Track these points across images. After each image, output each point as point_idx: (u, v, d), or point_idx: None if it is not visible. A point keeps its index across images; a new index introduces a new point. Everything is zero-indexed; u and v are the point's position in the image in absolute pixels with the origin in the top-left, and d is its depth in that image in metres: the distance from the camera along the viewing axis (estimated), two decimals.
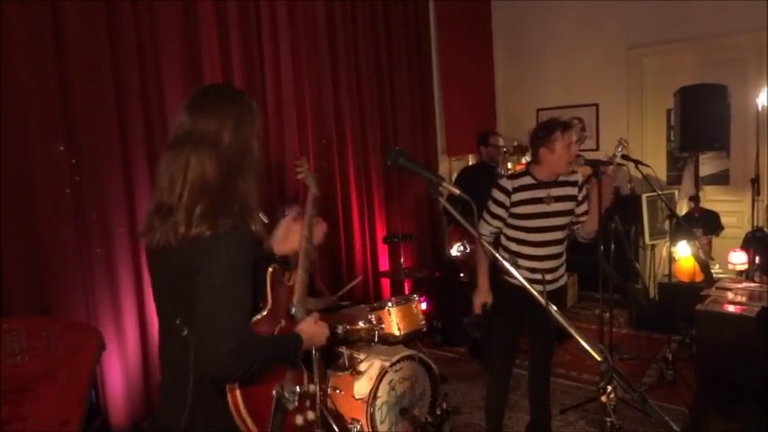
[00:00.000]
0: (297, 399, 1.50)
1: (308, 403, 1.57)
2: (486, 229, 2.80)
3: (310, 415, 1.57)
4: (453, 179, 5.20)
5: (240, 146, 1.43)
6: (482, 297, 2.79)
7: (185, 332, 1.36)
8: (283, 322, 1.55)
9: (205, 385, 1.38)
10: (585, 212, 2.83)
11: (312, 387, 1.62)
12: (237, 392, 1.37)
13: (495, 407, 2.94)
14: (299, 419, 1.52)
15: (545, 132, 2.70)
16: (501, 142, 4.13)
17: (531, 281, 1.46)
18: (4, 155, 2.56)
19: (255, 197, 1.44)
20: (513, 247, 2.80)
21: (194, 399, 1.38)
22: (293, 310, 1.60)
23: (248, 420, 1.38)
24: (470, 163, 5.93)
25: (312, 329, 1.58)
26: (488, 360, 3.00)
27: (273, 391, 1.46)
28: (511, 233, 2.80)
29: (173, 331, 1.39)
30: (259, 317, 1.47)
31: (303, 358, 1.61)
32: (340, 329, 3.07)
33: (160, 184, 1.41)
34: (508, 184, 2.74)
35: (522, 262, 2.73)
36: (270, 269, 1.53)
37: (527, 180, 2.74)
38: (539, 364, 2.98)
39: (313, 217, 1.91)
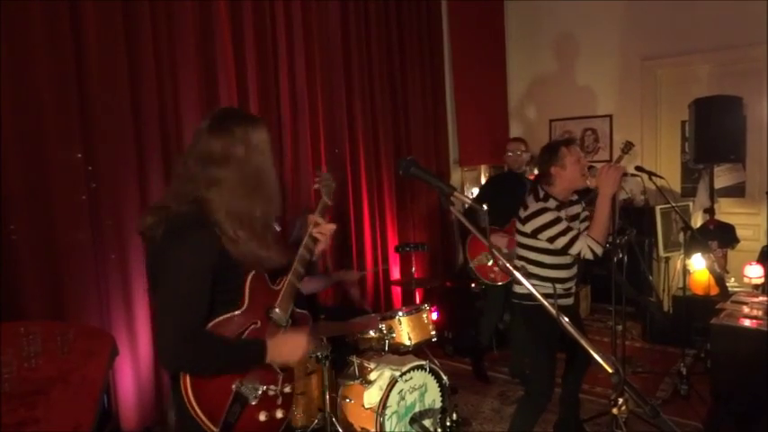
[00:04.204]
0: (257, 395, 1.54)
1: (279, 401, 1.62)
2: (579, 244, 2.60)
3: (279, 413, 1.61)
4: (481, 185, 5.40)
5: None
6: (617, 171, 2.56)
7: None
8: (259, 323, 1.59)
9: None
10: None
11: (288, 389, 1.65)
12: (188, 381, 1.46)
13: None
14: (262, 416, 1.56)
15: (551, 153, 2.72)
16: (520, 149, 4.18)
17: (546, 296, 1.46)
18: (24, 161, 2.62)
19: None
20: (533, 270, 2.74)
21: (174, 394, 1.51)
22: (274, 312, 1.63)
23: (197, 408, 1.46)
24: (483, 173, 5.95)
25: (284, 344, 1.59)
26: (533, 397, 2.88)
27: (233, 386, 1.51)
28: (532, 256, 2.75)
29: None
30: (229, 315, 1.53)
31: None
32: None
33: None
34: (550, 204, 2.69)
35: (537, 282, 2.66)
36: (251, 274, 1.57)
37: (553, 203, 2.72)
38: (578, 370, 2.99)
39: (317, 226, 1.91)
